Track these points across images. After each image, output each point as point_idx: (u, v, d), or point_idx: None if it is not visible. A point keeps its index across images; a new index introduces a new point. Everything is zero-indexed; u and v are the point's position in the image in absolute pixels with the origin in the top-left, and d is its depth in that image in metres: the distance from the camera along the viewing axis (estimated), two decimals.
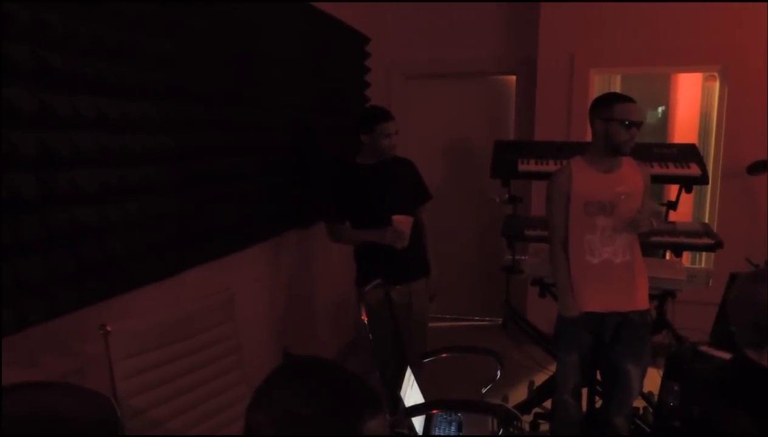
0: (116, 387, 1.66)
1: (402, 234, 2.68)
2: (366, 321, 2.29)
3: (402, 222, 2.68)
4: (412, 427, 2.22)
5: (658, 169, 3.07)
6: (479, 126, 4.76)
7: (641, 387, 2.69)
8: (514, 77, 4.66)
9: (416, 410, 2.27)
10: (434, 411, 2.41)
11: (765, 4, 3.77)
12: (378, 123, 2.76)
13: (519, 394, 3.46)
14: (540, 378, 3.44)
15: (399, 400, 2.23)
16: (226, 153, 2.53)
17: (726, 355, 2.18)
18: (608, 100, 2.47)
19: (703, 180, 3.11)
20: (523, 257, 3.17)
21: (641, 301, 2.53)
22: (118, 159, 1.87)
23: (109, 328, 1.65)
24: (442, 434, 2.31)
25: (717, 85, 4.13)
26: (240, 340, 2.18)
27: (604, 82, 4.45)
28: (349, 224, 2.88)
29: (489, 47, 4.57)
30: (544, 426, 3.14)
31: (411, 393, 2.42)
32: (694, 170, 3.09)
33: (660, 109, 4.84)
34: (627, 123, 2.38)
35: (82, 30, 1.68)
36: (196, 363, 1.95)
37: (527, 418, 3.18)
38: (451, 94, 4.84)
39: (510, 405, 3.26)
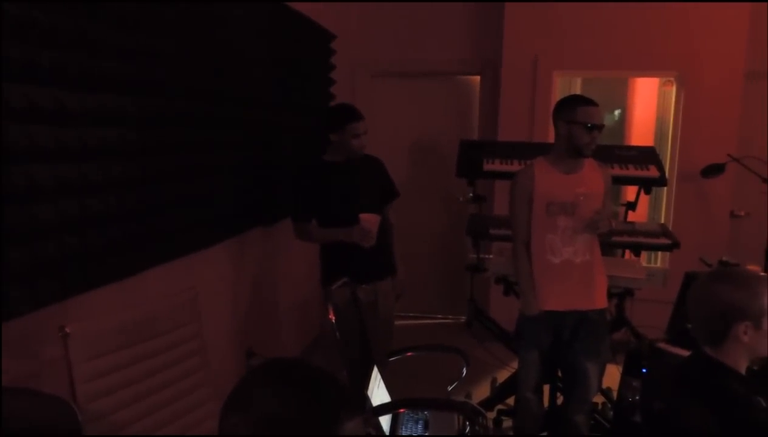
0: (76, 390, 1.60)
1: (369, 233, 2.67)
2: (333, 321, 2.27)
3: (369, 221, 2.67)
4: (379, 426, 2.21)
5: (618, 171, 3.15)
6: (444, 125, 4.79)
7: (600, 384, 2.75)
8: (478, 77, 4.70)
9: (383, 409, 2.27)
10: (401, 410, 2.41)
11: (720, 13, 3.90)
12: (348, 122, 2.73)
13: (482, 391, 3.50)
14: (503, 376, 3.49)
15: (366, 399, 2.22)
16: (189, 149, 2.48)
17: (682, 352, 2.26)
18: (571, 102, 2.52)
19: (661, 182, 3.20)
20: (487, 256, 3.20)
21: (600, 300, 2.58)
22: (77, 153, 1.81)
23: (68, 330, 1.60)
24: (408, 433, 2.31)
25: (673, 90, 4.26)
26: (204, 341, 2.13)
27: (565, 84, 4.53)
28: (315, 222, 2.85)
29: (454, 48, 4.60)
30: (507, 423, 3.19)
31: (378, 392, 2.42)
32: (653, 172, 3.17)
33: (617, 112, 4.97)
34: (589, 126, 2.42)
35: (39, 18, 1.62)
36: (160, 364, 1.91)
37: (490, 415, 3.22)
38: (416, 93, 4.85)
39: (473, 402, 3.30)
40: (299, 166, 2.95)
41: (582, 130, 2.43)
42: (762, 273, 2.74)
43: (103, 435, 1.66)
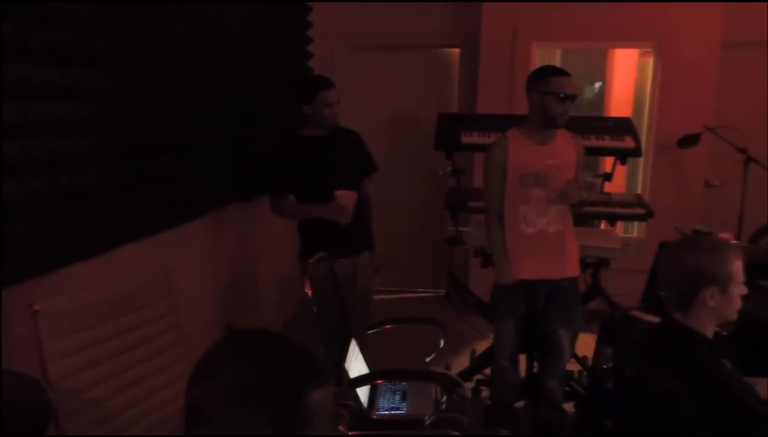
0: (47, 368, 1.59)
1: (345, 210, 2.66)
2: (310, 295, 2.27)
3: (345, 197, 2.66)
4: (357, 398, 2.24)
5: (595, 142, 3.16)
6: (423, 98, 4.76)
7: (573, 351, 2.80)
8: (457, 50, 4.67)
9: (361, 381, 2.29)
10: (378, 381, 2.44)
11: None
12: (318, 91, 2.70)
13: (461, 362, 3.55)
14: (481, 346, 3.54)
15: (343, 372, 2.24)
16: (162, 124, 2.44)
17: (656, 319, 2.30)
18: (544, 73, 2.51)
19: (636, 152, 3.22)
20: (466, 229, 3.21)
21: (572, 269, 2.62)
22: (46, 128, 1.77)
23: (37, 308, 1.58)
24: (386, 404, 2.34)
25: (651, 60, 4.26)
26: (180, 317, 2.13)
27: (545, 56, 4.51)
28: (293, 198, 2.83)
29: (433, 20, 4.55)
30: (486, 392, 3.23)
31: (356, 365, 2.44)
32: (628, 143, 3.19)
33: (597, 84, 4.97)
34: (561, 96, 2.43)
35: None
36: (134, 340, 1.90)
37: (469, 385, 3.26)
38: (395, 67, 4.80)
39: (453, 372, 3.34)
40: (274, 140, 2.92)
41: (555, 100, 2.43)
42: (729, 240, 2.79)
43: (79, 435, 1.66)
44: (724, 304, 1.58)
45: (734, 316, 1.64)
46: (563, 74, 2.47)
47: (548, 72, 2.50)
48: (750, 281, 1.89)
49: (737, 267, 1.57)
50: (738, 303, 1.61)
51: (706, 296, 1.56)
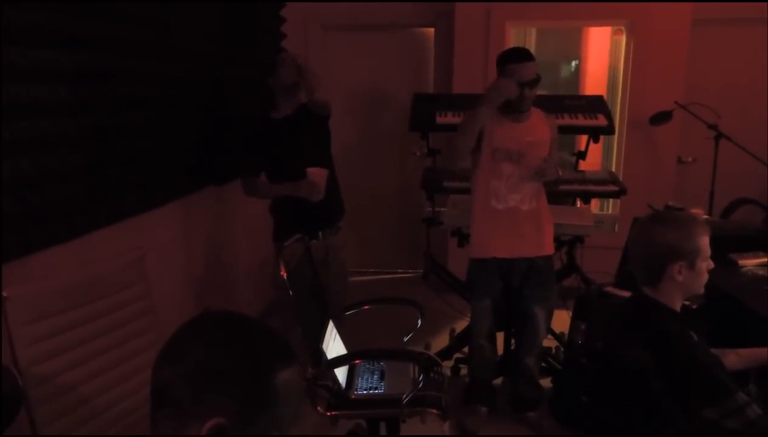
0: (17, 354, 1.57)
1: (317, 187, 2.65)
2: (285, 277, 2.26)
3: (316, 174, 2.65)
4: (335, 379, 2.25)
5: (568, 120, 3.18)
6: (399, 79, 4.74)
7: (548, 328, 2.84)
8: (432, 30, 4.64)
9: (338, 361, 2.30)
10: (356, 362, 2.45)
11: None
12: (274, 57, 2.75)
13: (441, 341, 3.58)
14: (461, 325, 3.57)
15: (321, 353, 2.25)
16: (133, 106, 2.39)
17: (627, 294, 2.34)
18: (502, 60, 2.48)
19: (609, 130, 3.25)
20: (443, 209, 3.22)
21: (547, 247, 2.64)
22: (10, 112, 1.72)
23: (5, 294, 1.55)
24: (365, 384, 2.35)
25: (624, 39, 4.28)
26: (154, 302, 2.11)
27: (519, 35, 4.51)
28: (264, 178, 2.82)
29: None
30: (465, 370, 3.27)
31: (333, 346, 2.45)
32: (601, 121, 3.22)
33: (573, 63, 4.98)
34: (519, 83, 2.40)
35: None
36: (106, 325, 1.88)
37: (448, 363, 3.29)
38: (370, 47, 4.76)
39: (432, 352, 3.37)
40: (246, 121, 2.90)
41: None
42: (700, 215, 2.84)
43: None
44: (691, 278, 1.61)
45: (702, 290, 1.67)
46: (522, 60, 2.43)
47: (506, 58, 2.46)
48: (719, 255, 1.93)
49: (704, 242, 1.60)
50: (705, 278, 1.64)
51: (674, 271, 1.59)
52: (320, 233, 2.84)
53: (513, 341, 3.00)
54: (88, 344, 1.82)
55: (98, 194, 2.19)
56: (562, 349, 3.28)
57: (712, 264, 1.65)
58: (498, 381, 3.05)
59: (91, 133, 2.11)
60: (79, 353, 1.79)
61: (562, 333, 3.27)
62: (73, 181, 2.04)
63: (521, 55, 2.45)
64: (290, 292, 2.27)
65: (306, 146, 2.78)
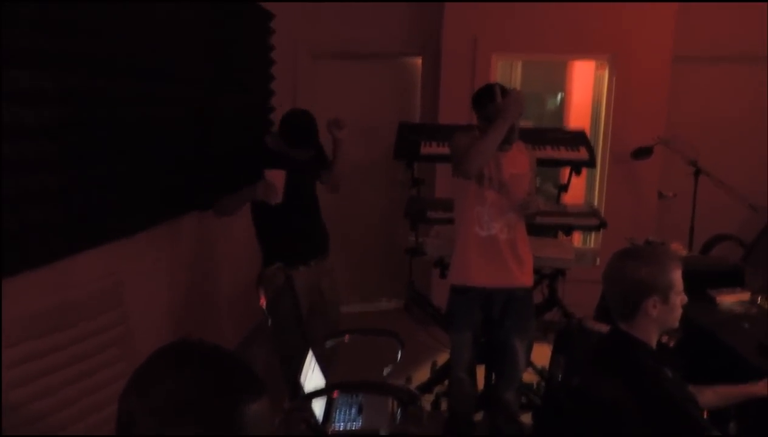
0: None
1: (273, 188, 2.64)
2: (264, 306, 2.24)
3: (273, 175, 2.65)
4: (311, 412, 2.21)
5: (551, 152, 3.22)
6: (386, 108, 4.77)
7: (528, 361, 2.83)
8: (420, 59, 4.70)
9: (316, 394, 2.27)
10: (334, 394, 2.42)
11: None
12: (297, 147, 2.77)
13: (423, 374, 3.54)
14: (442, 358, 3.54)
15: (298, 386, 2.22)
16: (114, 128, 2.37)
17: (606, 328, 2.34)
18: (484, 98, 2.48)
19: (590, 163, 3.29)
20: (426, 239, 3.22)
21: (526, 278, 2.64)
22: None
23: None
24: (342, 417, 2.32)
25: (606, 73, 4.36)
26: (132, 328, 2.08)
27: (506, 67, 4.58)
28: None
29: (396, 27, 4.57)
30: (445, 404, 3.23)
31: (312, 377, 2.42)
32: (582, 154, 3.26)
33: (559, 96, 5.07)
34: None
35: None
36: (79, 352, 1.85)
37: (429, 397, 3.26)
38: (358, 75, 4.81)
39: (413, 385, 3.34)
40: (241, 146, 2.92)
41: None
42: (679, 250, 2.87)
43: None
44: (666, 313, 1.62)
45: (676, 324, 1.68)
46: (506, 93, 2.44)
47: (488, 97, 2.46)
48: (697, 291, 1.95)
49: (677, 276, 1.61)
50: (679, 312, 1.65)
51: (649, 306, 1.60)
52: (311, 262, 2.86)
53: (493, 375, 2.98)
54: (60, 371, 1.78)
55: (77, 217, 2.16)
56: (543, 384, 3.27)
57: (686, 299, 1.66)
58: (478, 415, 3.02)
59: (71, 154, 2.09)
60: (49, 381, 1.75)
61: (543, 368, 3.26)
62: (51, 203, 2.01)
63: (503, 90, 2.49)
64: (269, 321, 2.25)
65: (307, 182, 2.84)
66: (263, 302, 2.28)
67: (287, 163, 2.75)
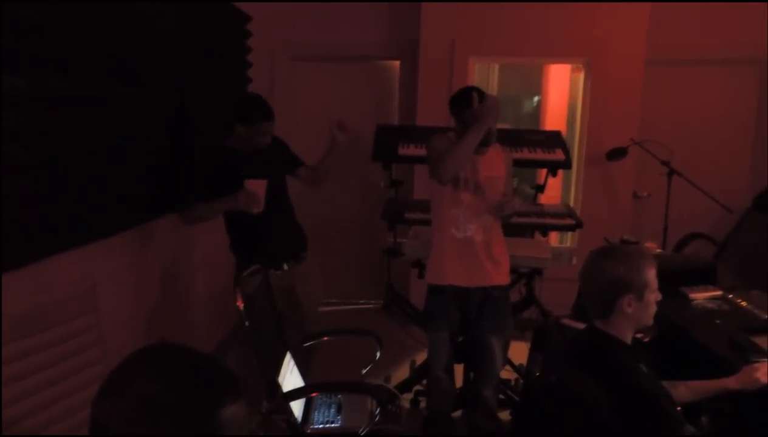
0: None
1: (255, 197, 2.60)
2: (242, 308, 2.23)
3: (255, 184, 2.61)
4: (290, 412, 2.20)
5: (527, 154, 3.25)
6: (364, 110, 4.78)
7: (505, 358, 2.85)
8: (398, 62, 4.72)
9: (294, 394, 2.26)
10: (313, 395, 2.41)
11: (624, 4, 4.08)
12: (260, 121, 2.68)
13: (402, 373, 3.55)
14: (421, 357, 3.55)
15: (277, 387, 2.21)
16: (87, 131, 2.34)
17: (583, 326, 2.37)
18: (463, 103, 2.49)
19: (566, 164, 3.33)
20: (404, 240, 3.23)
21: (502, 277, 2.66)
22: None
23: None
24: (321, 417, 2.32)
25: (582, 76, 4.43)
26: (106, 333, 2.05)
27: (483, 70, 4.62)
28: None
29: (374, 30, 4.58)
30: (424, 403, 3.24)
31: (290, 378, 2.41)
32: (558, 155, 3.30)
33: (535, 99, 5.12)
34: None
35: None
36: (52, 357, 1.82)
37: (408, 396, 3.27)
38: (336, 78, 4.81)
39: (392, 384, 3.34)
40: (205, 149, 2.88)
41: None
42: (653, 249, 2.92)
43: None
44: (640, 310, 1.65)
45: (651, 322, 1.71)
46: (483, 97, 2.46)
47: (465, 102, 2.48)
48: (670, 288, 1.98)
49: (651, 274, 1.64)
50: (654, 309, 1.68)
51: (624, 304, 1.63)
52: (285, 265, 2.83)
53: (472, 374, 2.99)
54: (33, 376, 1.75)
55: (50, 220, 2.12)
56: (521, 381, 3.30)
57: (660, 296, 1.69)
58: (457, 413, 3.03)
59: (43, 157, 2.06)
60: (24, 385, 1.72)
61: (521, 365, 3.29)
62: (23, 207, 1.98)
63: (481, 94, 2.50)
64: (246, 323, 2.24)
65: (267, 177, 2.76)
66: (240, 304, 2.27)
67: (251, 160, 2.72)
